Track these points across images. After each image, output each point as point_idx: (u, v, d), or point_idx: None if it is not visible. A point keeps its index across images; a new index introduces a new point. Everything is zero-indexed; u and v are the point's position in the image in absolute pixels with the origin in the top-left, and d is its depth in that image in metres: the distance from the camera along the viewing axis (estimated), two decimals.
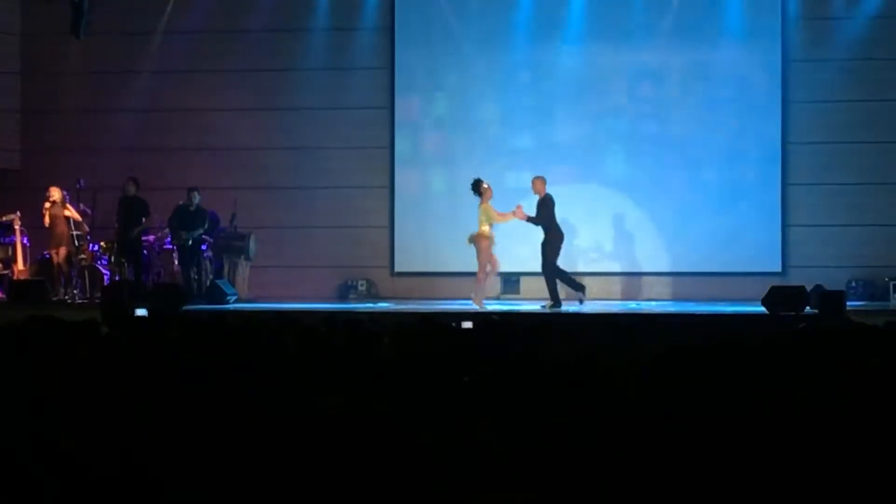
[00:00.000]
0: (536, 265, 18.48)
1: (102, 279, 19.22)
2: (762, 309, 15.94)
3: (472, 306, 17.57)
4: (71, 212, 19.25)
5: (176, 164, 21.32)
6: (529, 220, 18.00)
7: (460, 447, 3.78)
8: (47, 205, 19.20)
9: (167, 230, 19.75)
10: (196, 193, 19.41)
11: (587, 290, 19.07)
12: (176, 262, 19.78)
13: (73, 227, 19.34)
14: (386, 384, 5.35)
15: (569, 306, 18.16)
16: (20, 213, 19.60)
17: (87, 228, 19.76)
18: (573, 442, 4.16)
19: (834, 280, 18.42)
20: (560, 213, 18.89)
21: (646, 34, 20.54)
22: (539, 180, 18.26)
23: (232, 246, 19.98)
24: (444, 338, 8.00)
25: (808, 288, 16.34)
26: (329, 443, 3.24)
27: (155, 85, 21.64)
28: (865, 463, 4.06)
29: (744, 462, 4.09)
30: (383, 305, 19.06)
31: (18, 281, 18.96)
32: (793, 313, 15.39)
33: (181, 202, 19.56)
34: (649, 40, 20.55)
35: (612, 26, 20.68)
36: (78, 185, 19.77)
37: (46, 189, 19.39)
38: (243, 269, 20.18)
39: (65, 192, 19.50)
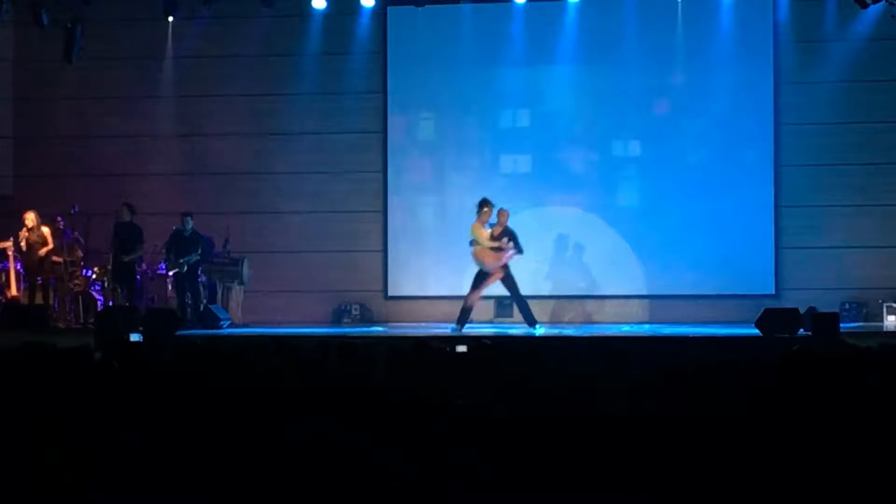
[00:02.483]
0: (529, 289, 18.51)
1: (96, 305, 19.16)
2: (756, 331, 15.92)
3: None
4: (47, 242, 19.01)
5: (169, 189, 21.31)
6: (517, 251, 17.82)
7: (443, 474, 3.77)
8: (24, 232, 19.05)
9: (160, 255, 19.69)
10: (189, 219, 19.35)
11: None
12: (170, 288, 19.72)
13: (64, 253, 19.28)
14: (379, 410, 5.34)
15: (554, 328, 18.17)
16: (13, 239, 19.49)
17: (80, 254, 19.67)
18: (565, 466, 4.16)
19: (827, 302, 18.39)
20: (550, 237, 19.07)
21: (638, 57, 20.55)
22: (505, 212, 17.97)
23: (225, 271, 19.95)
24: (438, 362, 7.99)
25: (802, 310, 16.33)
26: (305, 470, 3.24)
27: (148, 110, 21.66)
28: (860, 482, 4.06)
29: (739, 484, 4.09)
30: (377, 329, 19.03)
31: (15, 306, 18.85)
32: (787, 335, 15.37)
33: (174, 227, 19.49)
34: (641, 63, 20.58)
35: (604, 50, 20.71)
36: (73, 211, 19.68)
37: (42, 215, 19.27)
38: (237, 294, 20.14)
39: (59, 218, 19.40)
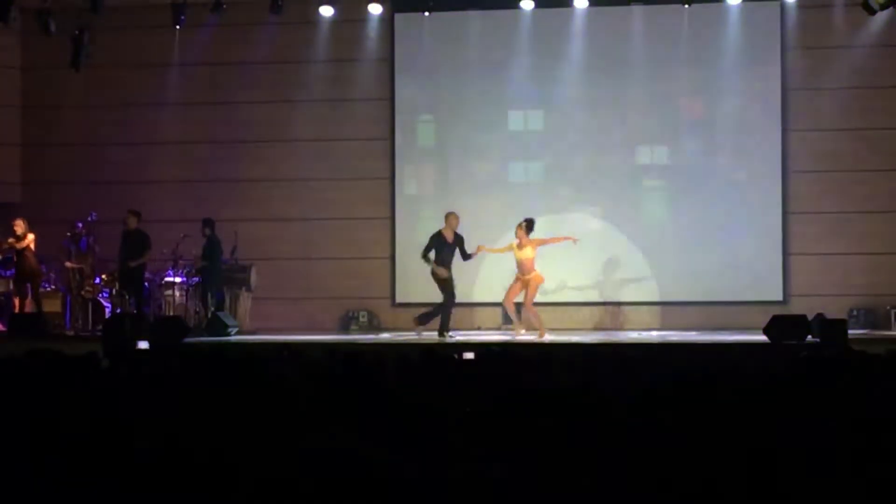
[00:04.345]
0: (540, 296, 18.48)
1: (104, 312, 19.15)
2: (764, 338, 15.91)
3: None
4: (28, 247, 18.92)
5: (177, 196, 21.33)
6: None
7: (454, 482, 3.76)
8: (11, 240, 18.97)
9: (167, 262, 19.65)
10: (205, 225, 19.21)
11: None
12: (178, 295, 19.68)
13: (77, 259, 19.26)
14: (388, 417, 5.34)
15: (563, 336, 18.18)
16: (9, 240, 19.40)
17: (93, 262, 19.59)
18: (575, 474, 4.15)
19: (835, 308, 18.38)
20: (560, 245, 19.11)
21: (646, 64, 20.56)
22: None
23: (233, 278, 19.94)
24: (446, 369, 7.98)
25: (810, 317, 16.31)
26: (312, 477, 3.23)
27: (155, 117, 21.67)
28: (866, 489, 4.05)
29: (746, 490, 4.08)
30: (385, 336, 19.02)
31: (18, 314, 18.85)
32: (795, 342, 15.36)
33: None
34: (650, 70, 20.58)
35: (612, 57, 20.70)
36: (90, 219, 19.66)
37: (49, 221, 19.27)
38: (245, 301, 20.15)
39: (79, 224, 19.30)
